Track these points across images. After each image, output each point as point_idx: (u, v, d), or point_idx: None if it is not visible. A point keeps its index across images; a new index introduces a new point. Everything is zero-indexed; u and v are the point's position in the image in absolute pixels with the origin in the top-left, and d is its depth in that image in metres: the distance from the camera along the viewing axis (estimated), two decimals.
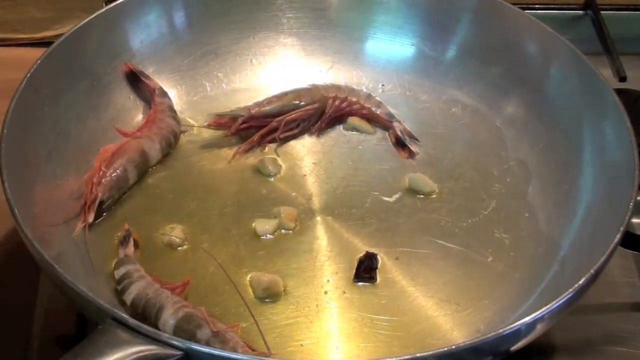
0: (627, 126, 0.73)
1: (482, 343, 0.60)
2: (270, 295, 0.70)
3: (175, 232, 0.74)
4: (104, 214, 0.75)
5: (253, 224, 0.75)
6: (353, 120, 0.86)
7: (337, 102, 0.85)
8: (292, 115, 0.84)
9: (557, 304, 0.61)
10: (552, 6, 1.04)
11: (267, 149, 0.83)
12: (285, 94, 0.85)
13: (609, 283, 0.76)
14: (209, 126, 0.83)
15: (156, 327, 0.63)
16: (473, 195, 0.80)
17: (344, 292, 0.71)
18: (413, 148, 0.84)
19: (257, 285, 0.70)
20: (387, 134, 0.86)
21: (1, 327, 0.71)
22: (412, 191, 0.80)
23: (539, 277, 0.72)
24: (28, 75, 0.74)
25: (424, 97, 0.89)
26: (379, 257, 0.73)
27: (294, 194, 0.79)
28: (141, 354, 0.56)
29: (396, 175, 0.81)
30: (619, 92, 0.78)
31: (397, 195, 0.79)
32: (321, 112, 0.85)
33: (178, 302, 0.65)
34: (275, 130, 0.83)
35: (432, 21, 0.89)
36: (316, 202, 0.78)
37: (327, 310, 0.69)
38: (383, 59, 0.90)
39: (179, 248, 0.73)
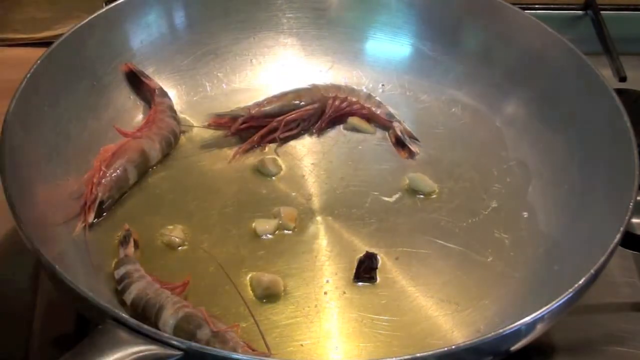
0: (627, 126, 0.73)
1: (482, 343, 0.60)
2: (270, 296, 0.70)
3: (175, 232, 0.74)
4: (104, 214, 0.75)
5: (253, 224, 0.75)
6: (353, 120, 0.86)
7: (337, 102, 0.85)
8: (292, 115, 0.84)
9: (557, 304, 0.61)
10: (552, 6, 1.04)
11: (267, 149, 0.83)
12: (285, 94, 0.85)
13: (609, 283, 0.76)
14: (209, 126, 0.83)
15: (156, 327, 0.63)
16: (473, 195, 0.80)
17: (344, 292, 0.71)
18: (413, 148, 0.84)
19: (257, 286, 0.70)
20: (387, 134, 0.86)
21: (1, 327, 0.71)
22: (412, 191, 0.80)
23: (539, 277, 0.72)
24: (28, 75, 0.74)
25: (424, 97, 0.89)
26: (379, 257, 0.73)
27: (294, 194, 0.79)
28: (141, 354, 0.56)
29: (396, 175, 0.81)
30: (619, 92, 0.78)
31: (397, 195, 0.79)
32: (321, 112, 0.85)
33: (178, 302, 0.65)
34: (275, 130, 0.83)
35: (432, 21, 0.89)
36: (316, 202, 0.78)
37: (327, 310, 0.69)
38: (383, 59, 0.90)
39: (179, 248, 0.73)
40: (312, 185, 0.80)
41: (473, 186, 0.81)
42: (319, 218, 0.77)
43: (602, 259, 0.64)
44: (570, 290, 0.62)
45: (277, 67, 0.90)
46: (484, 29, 0.88)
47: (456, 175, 0.81)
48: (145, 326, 0.57)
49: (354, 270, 0.72)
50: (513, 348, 0.63)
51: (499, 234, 0.77)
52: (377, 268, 0.72)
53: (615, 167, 0.73)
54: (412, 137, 0.85)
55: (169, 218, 0.75)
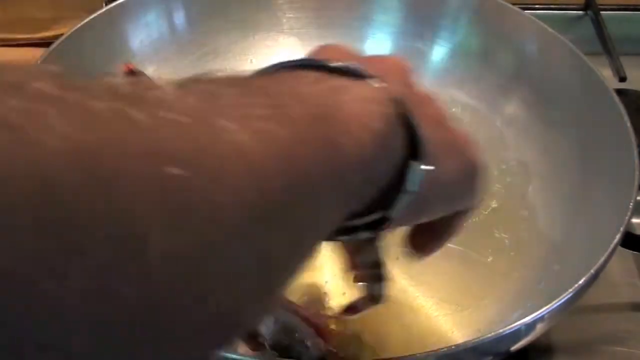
0: (627, 126, 0.73)
1: (482, 343, 0.60)
2: None
3: None
4: None
5: None
6: None
7: None
8: None
9: (557, 304, 0.61)
10: (552, 6, 1.04)
11: None
12: None
13: (609, 283, 0.76)
14: None
15: None
16: None
17: (344, 293, 0.71)
18: None
19: None
20: None
21: None
22: None
23: (539, 277, 0.72)
24: None
25: None
26: None
27: None
28: None
29: None
30: (619, 92, 0.78)
31: None
32: None
33: None
34: None
35: (431, 21, 0.89)
36: None
37: (326, 311, 0.69)
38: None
39: None
40: None
41: None
42: None
43: (602, 259, 0.64)
44: (570, 290, 0.62)
45: None
46: (483, 29, 0.88)
47: None
48: None
49: None
50: (513, 348, 0.63)
51: (499, 234, 0.77)
52: None
53: (615, 167, 0.73)
54: None
55: None
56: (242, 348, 0.62)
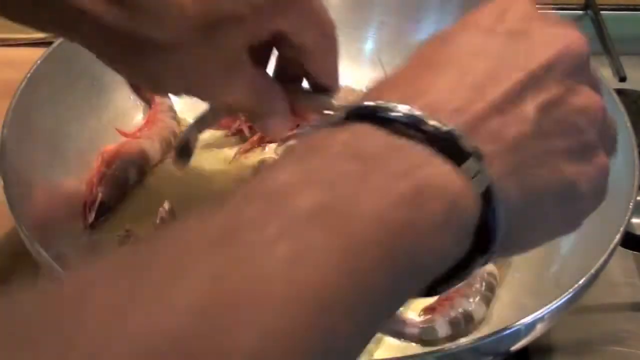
0: (627, 126, 0.73)
1: (482, 343, 0.60)
2: None
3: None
4: (105, 214, 0.75)
5: None
6: None
7: None
8: None
9: (557, 304, 0.61)
10: (552, 6, 1.04)
11: (267, 149, 0.83)
12: None
13: (609, 283, 0.76)
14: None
15: None
16: None
17: None
18: None
19: None
20: None
21: None
22: None
23: (539, 277, 0.72)
24: (28, 75, 0.74)
25: None
26: None
27: None
28: None
29: None
30: (619, 92, 0.78)
31: None
32: None
33: None
34: None
35: (431, 21, 0.89)
36: None
37: None
38: (383, 59, 0.90)
39: None
40: None
41: None
42: None
43: (602, 259, 0.64)
44: (570, 290, 0.62)
45: None
46: None
47: None
48: None
49: None
50: (513, 348, 0.62)
51: None
52: None
53: (615, 167, 0.73)
54: None
55: None
56: None
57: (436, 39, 0.43)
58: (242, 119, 0.82)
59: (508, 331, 0.60)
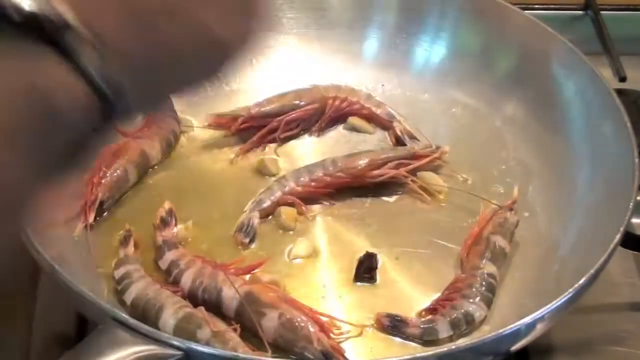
0: (627, 126, 0.73)
1: (482, 343, 0.60)
2: None
3: (179, 232, 0.73)
4: (104, 214, 0.75)
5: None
6: (353, 120, 0.86)
7: (337, 102, 0.85)
8: (292, 115, 0.84)
9: (557, 304, 0.61)
10: (552, 6, 1.04)
11: (267, 149, 0.83)
12: (285, 94, 0.85)
13: (609, 283, 0.75)
14: (209, 126, 0.83)
15: (156, 327, 0.63)
16: (473, 195, 0.79)
17: (344, 293, 0.71)
18: None
19: None
20: (387, 134, 0.85)
21: (1, 327, 0.71)
22: (414, 191, 0.79)
23: (539, 277, 0.72)
24: None
25: (424, 97, 0.89)
26: (379, 257, 0.73)
27: None
28: (141, 354, 0.56)
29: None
30: (619, 92, 0.78)
31: (397, 196, 0.79)
32: (321, 112, 0.85)
33: (178, 302, 0.65)
34: (275, 130, 0.83)
35: (431, 21, 0.89)
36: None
37: (327, 311, 0.69)
38: (383, 59, 0.90)
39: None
40: None
41: (473, 186, 0.80)
42: (319, 218, 0.77)
43: (602, 259, 0.64)
44: (570, 290, 0.62)
45: (277, 67, 0.89)
46: (484, 29, 0.88)
47: (456, 175, 0.81)
48: (145, 326, 0.57)
49: (354, 271, 0.72)
50: (513, 348, 0.63)
51: None
52: (377, 268, 0.72)
53: (615, 167, 0.73)
54: (412, 137, 0.85)
55: None
56: (242, 348, 0.62)
57: None
58: (243, 119, 0.82)
59: (508, 331, 0.60)
